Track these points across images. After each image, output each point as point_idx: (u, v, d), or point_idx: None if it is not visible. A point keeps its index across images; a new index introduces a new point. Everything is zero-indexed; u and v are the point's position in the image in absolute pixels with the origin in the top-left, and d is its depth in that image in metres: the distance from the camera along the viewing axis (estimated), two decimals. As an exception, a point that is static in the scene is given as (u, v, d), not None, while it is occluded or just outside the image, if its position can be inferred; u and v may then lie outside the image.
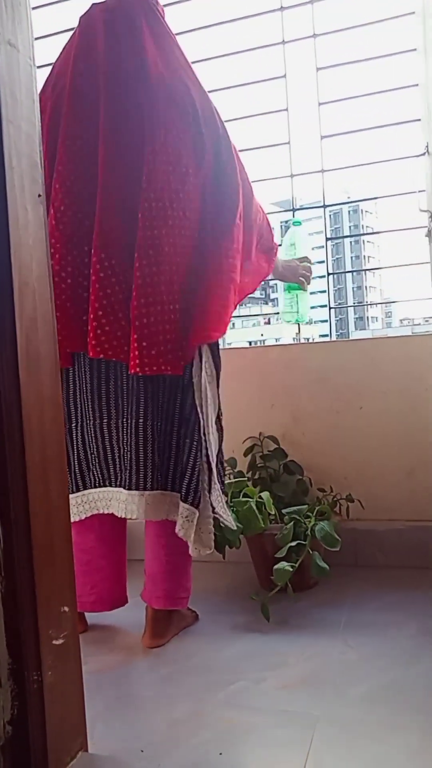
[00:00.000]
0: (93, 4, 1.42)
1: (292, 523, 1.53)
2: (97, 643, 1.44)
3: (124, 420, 1.35)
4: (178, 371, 1.32)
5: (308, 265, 1.76)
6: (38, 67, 0.92)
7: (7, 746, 0.83)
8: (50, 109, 1.39)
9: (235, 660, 1.32)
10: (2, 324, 0.82)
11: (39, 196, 0.88)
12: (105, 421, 1.37)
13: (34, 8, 0.93)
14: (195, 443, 1.32)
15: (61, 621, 0.89)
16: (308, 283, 1.76)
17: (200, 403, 1.33)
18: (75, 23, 1.42)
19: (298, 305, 1.86)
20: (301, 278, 1.73)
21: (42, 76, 1.40)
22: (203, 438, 1.33)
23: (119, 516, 1.36)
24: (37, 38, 0.92)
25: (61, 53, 1.45)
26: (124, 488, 1.35)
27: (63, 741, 0.89)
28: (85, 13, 1.42)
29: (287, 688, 1.19)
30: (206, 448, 1.33)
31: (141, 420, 1.33)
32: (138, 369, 1.28)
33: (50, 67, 1.47)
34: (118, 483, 1.38)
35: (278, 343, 2.08)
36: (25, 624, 0.84)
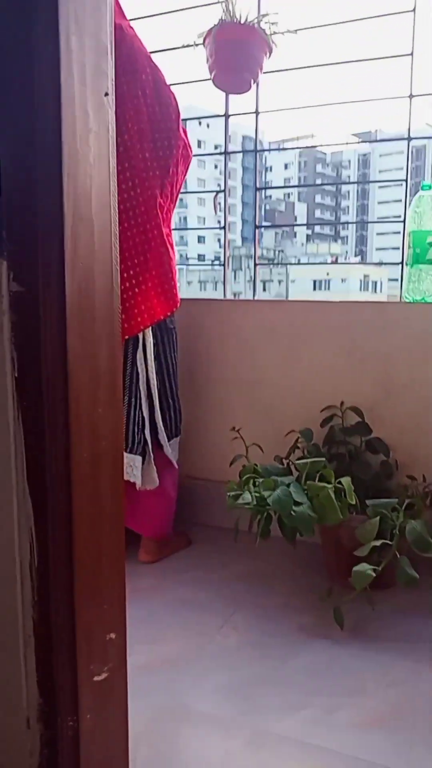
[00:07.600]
0: None
1: (378, 517, 1.30)
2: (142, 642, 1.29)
3: None
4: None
5: None
6: None
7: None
8: None
9: (302, 674, 1.13)
10: (47, 272, 0.60)
11: (106, 94, 0.64)
12: None
13: None
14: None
15: (105, 652, 0.71)
16: None
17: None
18: None
19: (424, 281, 1.65)
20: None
21: None
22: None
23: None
24: None
25: None
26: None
27: (100, 796, 0.73)
28: None
29: (363, 725, 1.00)
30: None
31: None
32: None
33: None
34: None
35: (374, 299, 1.81)
36: (60, 657, 0.67)
